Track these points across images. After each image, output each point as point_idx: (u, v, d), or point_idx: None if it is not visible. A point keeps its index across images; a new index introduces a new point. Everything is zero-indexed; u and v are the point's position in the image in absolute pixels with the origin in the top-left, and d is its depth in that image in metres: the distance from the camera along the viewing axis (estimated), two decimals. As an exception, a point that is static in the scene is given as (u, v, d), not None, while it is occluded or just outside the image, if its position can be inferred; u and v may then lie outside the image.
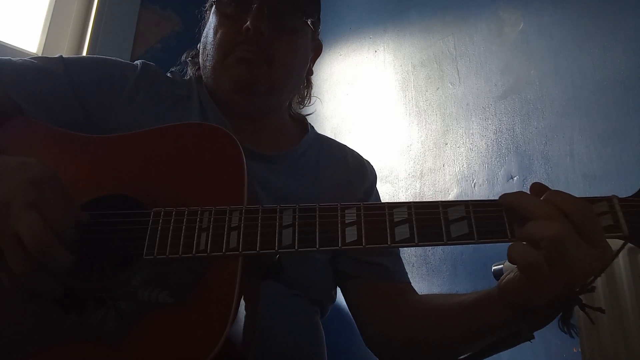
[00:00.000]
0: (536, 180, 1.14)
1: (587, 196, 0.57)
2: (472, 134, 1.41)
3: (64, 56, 0.84)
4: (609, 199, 0.56)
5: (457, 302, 0.72)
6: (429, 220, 0.57)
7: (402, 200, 1.50)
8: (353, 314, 0.89)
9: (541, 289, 0.54)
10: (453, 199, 1.37)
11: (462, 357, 0.69)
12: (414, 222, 0.57)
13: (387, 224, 0.57)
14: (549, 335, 1.09)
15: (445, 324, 0.73)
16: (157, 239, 0.60)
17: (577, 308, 0.55)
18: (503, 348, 0.60)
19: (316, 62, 1.03)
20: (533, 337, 0.57)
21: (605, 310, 0.55)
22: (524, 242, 0.53)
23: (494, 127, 1.36)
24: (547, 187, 0.57)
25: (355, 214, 0.59)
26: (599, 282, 0.94)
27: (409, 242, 0.56)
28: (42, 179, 0.57)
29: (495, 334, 0.62)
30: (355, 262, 0.87)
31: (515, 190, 0.57)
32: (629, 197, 0.57)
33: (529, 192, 0.58)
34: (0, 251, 0.54)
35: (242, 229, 0.59)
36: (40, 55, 1.59)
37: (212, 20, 0.90)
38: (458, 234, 0.56)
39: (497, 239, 0.56)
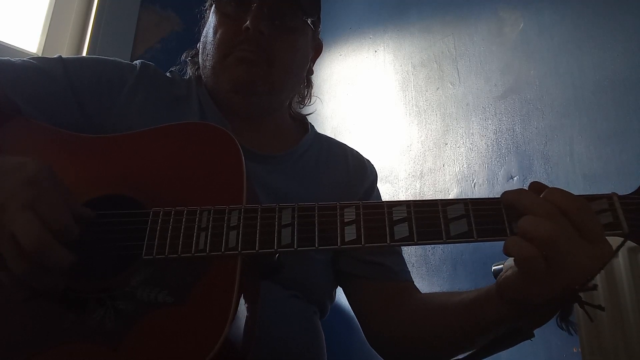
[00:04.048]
0: (536, 180, 1.13)
1: (587, 194, 0.57)
2: (472, 134, 1.41)
3: (63, 57, 0.84)
4: (608, 197, 0.56)
5: (457, 300, 0.72)
6: (428, 219, 0.57)
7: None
8: (356, 313, 0.89)
9: (539, 285, 0.54)
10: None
11: (462, 355, 0.68)
12: (413, 221, 0.57)
13: (387, 222, 0.57)
14: (548, 335, 1.09)
15: (447, 322, 0.73)
16: (156, 239, 0.60)
17: (577, 306, 0.55)
18: (503, 347, 0.59)
19: (316, 61, 1.02)
20: (533, 336, 0.57)
21: (605, 310, 0.55)
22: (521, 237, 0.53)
23: (494, 127, 1.36)
24: (546, 185, 0.57)
25: (354, 213, 0.58)
26: (599, 282, 0.94)
27: (408, 240, 0.56)
28: (38, 178, 0.56)
29: (495, 330, 0.62)
30: (358, 262, 0.87)
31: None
32: (629, 194, 0.57)
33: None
34: None
35: (241, 228, 0.59)
36: (40, 55, 1.59)
37: (211, 19, 0.89)
38: (457, 232, 0.56)
39: (497, 237, 0.56)
